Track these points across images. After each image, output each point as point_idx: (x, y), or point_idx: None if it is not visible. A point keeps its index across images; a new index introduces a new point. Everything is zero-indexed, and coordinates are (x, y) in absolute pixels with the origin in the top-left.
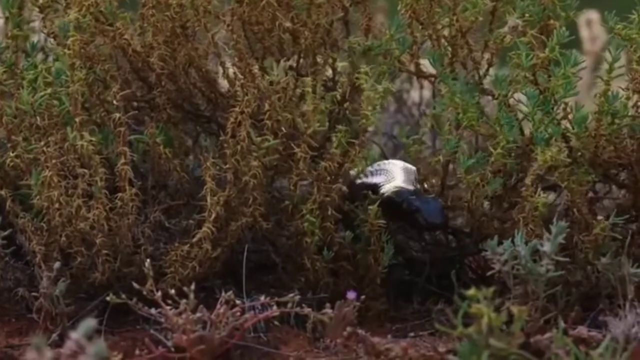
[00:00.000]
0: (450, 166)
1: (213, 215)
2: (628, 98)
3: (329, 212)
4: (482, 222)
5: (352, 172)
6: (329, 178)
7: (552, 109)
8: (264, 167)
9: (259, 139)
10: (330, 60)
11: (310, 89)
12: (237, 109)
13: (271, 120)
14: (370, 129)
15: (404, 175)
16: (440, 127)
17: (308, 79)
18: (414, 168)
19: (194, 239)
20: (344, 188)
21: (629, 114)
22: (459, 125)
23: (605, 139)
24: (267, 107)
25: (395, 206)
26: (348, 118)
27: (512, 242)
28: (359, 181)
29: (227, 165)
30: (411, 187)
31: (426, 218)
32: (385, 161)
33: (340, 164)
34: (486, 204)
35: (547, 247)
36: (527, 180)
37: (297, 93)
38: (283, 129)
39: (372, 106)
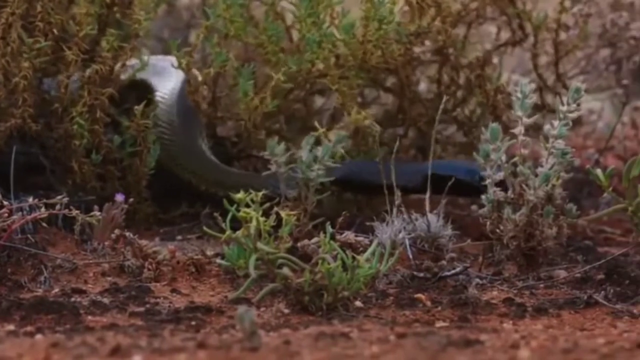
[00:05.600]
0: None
1: None
2: (394, 3)
3: (98, 115)
4: (251, 132)
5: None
6: (99, 81)
7: (319, 17)
8: (34, 69)
9: (30, 40)
10: None
11: None
12: (7, 9)
13: (43, 22)
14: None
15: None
16: (209, 38)
17: None
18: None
19: None
20: (114, 92)
21: (395, 19)
22: (227, 35)
23: (373, 45)
24: (38, 9)
25: (468, 187)
26: (119, 22)
27: (287, 147)
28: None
29: None
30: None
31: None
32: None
33: (111, 68)
34: None
35: (320, 152)
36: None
37: None
38: (55, 31)
39: (145, 11)
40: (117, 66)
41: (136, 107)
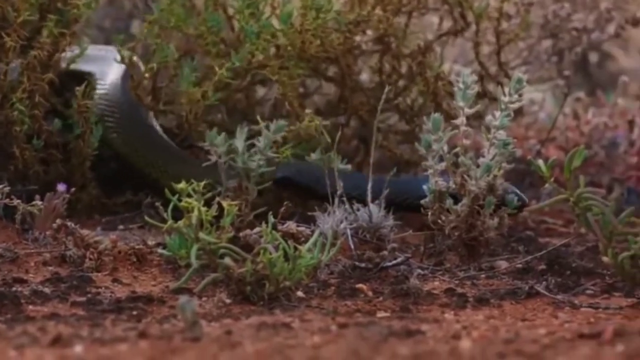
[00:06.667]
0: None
1: None
2: None
3: (37, 100)
4: (192, 124)
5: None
6: (39, 67)
7: (258, 8)
8: None
9: None
10: None
11: None
12: None
13: None
14: (81, 20)
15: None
16: (150, 30)
17: None
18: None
19: None
20: (54, 77)
21: (334, 8)
22: (167, 26)
23: (311, 34)
24: None
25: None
26: (59, 9)
27: (228, 136)
28: (71, 67)
29: None
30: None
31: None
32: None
33: (50, 54)
34: None
35: (261, 142)
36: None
37: None
38: None
39: None
40: (58, 53)
41: (77, 88)
